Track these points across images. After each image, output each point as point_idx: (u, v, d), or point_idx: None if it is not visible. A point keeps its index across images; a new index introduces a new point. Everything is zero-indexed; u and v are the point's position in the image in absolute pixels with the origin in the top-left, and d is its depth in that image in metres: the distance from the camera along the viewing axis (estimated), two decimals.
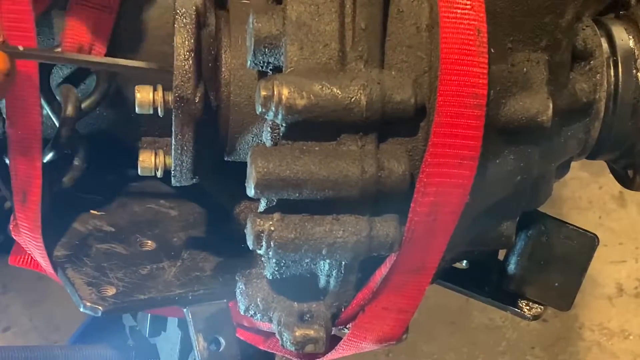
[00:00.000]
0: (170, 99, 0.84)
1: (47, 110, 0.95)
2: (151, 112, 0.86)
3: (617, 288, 2.25)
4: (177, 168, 0.86)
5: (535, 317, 1.11)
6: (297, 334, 0.85)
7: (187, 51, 0.83)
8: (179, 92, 0.82)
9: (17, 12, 0.87)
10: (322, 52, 0.81)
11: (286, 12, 0.81)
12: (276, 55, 0.82)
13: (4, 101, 0.90)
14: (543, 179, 0.96)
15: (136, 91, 0.86)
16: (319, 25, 0.81)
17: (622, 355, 2.14)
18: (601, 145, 1.01)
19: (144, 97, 0.85)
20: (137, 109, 0.86)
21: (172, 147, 0.85)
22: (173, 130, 0.84)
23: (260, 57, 0.83)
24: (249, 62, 0.84)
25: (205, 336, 0.96)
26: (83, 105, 0.96)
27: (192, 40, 0.83)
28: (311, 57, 0.81)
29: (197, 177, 0.88)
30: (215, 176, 0.95)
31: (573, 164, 1.04)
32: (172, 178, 0.88)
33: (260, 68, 0.84)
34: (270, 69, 0.84)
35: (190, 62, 0.83)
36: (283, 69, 0.82)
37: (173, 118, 0.83)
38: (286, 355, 1.01)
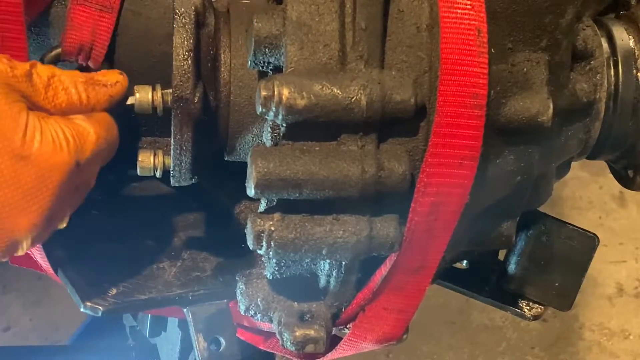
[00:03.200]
0: (169, 98, 0.84)
1: None
2: (150, 112, 0.86)
3: (617, 288, 2.25)
4: (176, 168, 0.86)
5: (535, 317, 1.11)
6: (297, 334, 0.85)
7: (186, 51, 0.82)
8: (178, 92, 0.82)
9: (6, 13, 0.86)
10: (322, 52, 0.81)
11: (286, 12, 0.81)
12: (276, 55, 0.82)
13: None
14: (543, 178, 0.96)
15: (135, 91, 0.86)
16: (319, 26, 0.81)
17: (622, 355, 2.15)
18: (601, 145, 1.01)
19: (143, 97, 0.85)
20: (136, 108, 0.86)
21: (171, 147, 0.85)
22: (172, 130, 0.84)
23: (261, 57, 0.83)
24: (249, 62, 0.84)
25: (206, 336, 0.95)
26: None
27: (191, 40, 0.83)
28: (311, 57, 0.81)
29: (196, 177, 0.88)
30: (215, 176, 0.95)
31: (573, 164, 1.04)
32: (171, 178, 0.87)
33: (260, 68, 0.84)
34: (271, 69, 0.84)
35: (190, 62, 0.82)
36: (283, 69, 0.81)
37: (172, 118, 0.83)
38: (286, 355, 1.01)
